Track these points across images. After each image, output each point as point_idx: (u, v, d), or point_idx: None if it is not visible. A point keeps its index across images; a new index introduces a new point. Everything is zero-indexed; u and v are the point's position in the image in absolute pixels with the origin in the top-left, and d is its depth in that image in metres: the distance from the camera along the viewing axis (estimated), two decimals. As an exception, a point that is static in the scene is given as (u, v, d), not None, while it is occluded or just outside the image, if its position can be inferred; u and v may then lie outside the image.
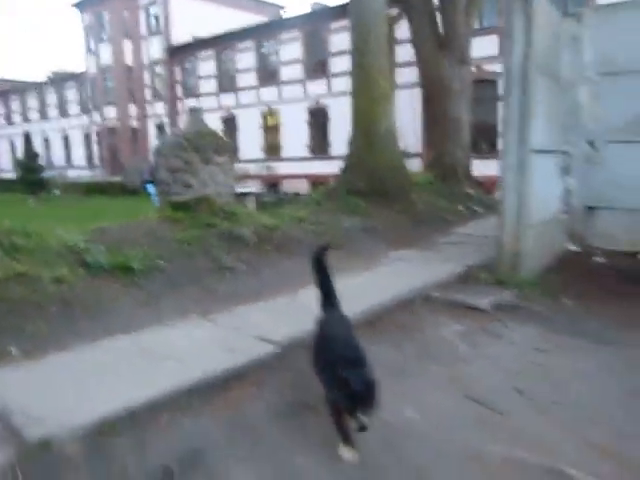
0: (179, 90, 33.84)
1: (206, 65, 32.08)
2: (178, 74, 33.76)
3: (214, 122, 30.53)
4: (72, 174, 36.71)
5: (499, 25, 16.66)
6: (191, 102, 31.92)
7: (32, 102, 44.12)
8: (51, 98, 42.37)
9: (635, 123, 5.71)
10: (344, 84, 17.48)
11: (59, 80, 42.00)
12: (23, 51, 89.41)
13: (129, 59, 34.74)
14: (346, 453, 2.15)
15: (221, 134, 11.45)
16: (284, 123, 28.54)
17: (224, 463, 2.08)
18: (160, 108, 34.34)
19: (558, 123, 5.64)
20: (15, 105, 46.15)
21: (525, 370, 3.30)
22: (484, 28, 18.38)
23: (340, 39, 22.50)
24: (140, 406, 2.33)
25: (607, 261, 5.77)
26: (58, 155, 41.82)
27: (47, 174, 30.74)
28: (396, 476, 2.13)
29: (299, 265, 4.73)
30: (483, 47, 16.78)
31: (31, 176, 28.85)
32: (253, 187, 21.46)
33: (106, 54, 35.35)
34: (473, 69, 12.41)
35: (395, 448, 2.31)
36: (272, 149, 29.35)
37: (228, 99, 31.03)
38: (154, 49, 34.10)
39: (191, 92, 32.94)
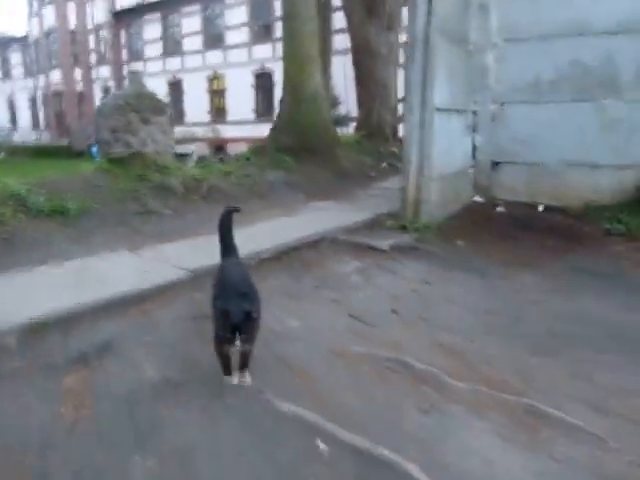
0: (124, 54, 32.99)
1: (152, 29, 31.36)
2: (123, 37, 32.88)
3: (160, 86, 30.02)
4: (17, 138, 35.50)
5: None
6: (136, 66, 31.23)
7: (-25, 65, 42.07)
8: (-6, 61, 40.53)
9: (533, 85, 6.23)
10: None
11: (2, 43, 40.07)
12: None
13: (73, 22, 33.50)
14: (232, 380, 2.37)
15: (160, 96, 11.52)
16: (229, 87, 28.38)
17: (129, 349, 2.58)
18: (106, 72, 33.46)
19: (464, 84, 6.13)
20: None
21: (405, 296, 3.76)
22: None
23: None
24: (66, 312, 2.79)
25: (507, 211, 6.35)
26: (2, 118, 40.24)
27: (-8, 137, 29.71)
28: (271, 367, 2.63)
29: (219, 212, 5.19)
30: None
31: (-25, 140, 27.85)
32: (197, 149, 21.43)
33: (50, 17, 33.95)
34: (404, 36, 12.80)
35: (273, 347, 2.78)
36: (218, 113, 29.19)
37: (174, 63, 30.54)
38: (99, 12, 33.00)
39: (136, 56, 32.22)
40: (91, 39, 33.98)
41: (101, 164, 5.93)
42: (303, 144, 7.91)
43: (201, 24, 29.15)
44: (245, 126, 26.68)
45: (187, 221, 4.97)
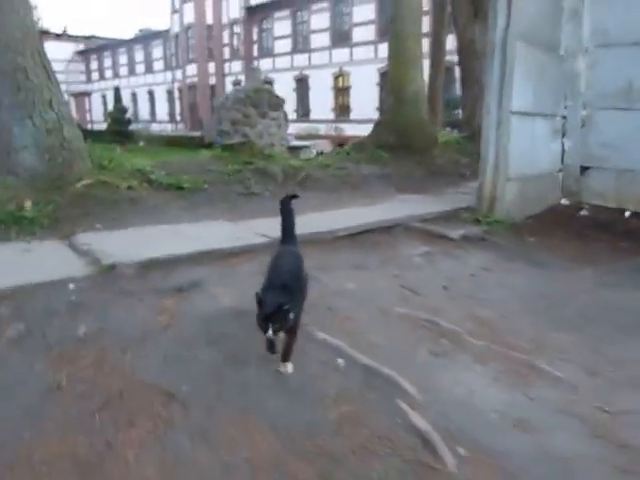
0: (255, 50, 35.25)
1: (281, 25, 33.19)
2: (255, 34, 35.13)
3: (287, 82, 31.84)
4: (156, 128, 39.24)
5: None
6: (266, 62, 33.32)
7: (122, 59, 47.04)
8: (139, 55, 45.06)
9: (626, 91, 6.42)
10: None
11: (146, 38, 44.46)
12: (115, 9, 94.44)
13: (209, 18, 36.39)
14: (282, 368, 2.58)
15: (280, 94, 12.71)
16: (354, 85, 29.33)
17: (212, 287, 3.48)
18: (237, 66, 35.94)
19: (554, 90, 6.47)
20: (107, 62, 49.28)
21: (461, 278, 4.30)
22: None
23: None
24: (171, 257, 3.78)
25: (591, 214, 6.56)
26: (144, 109, 44.65)
27: (133, 127, 33.20)
28: (320, 312, 3.35)
29: (313, 197, 6.04)
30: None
31: (119, 128, 31.34)
32: (319, 145, 22.59)
33: (189, 13, 37.14)
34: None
35: (326, 300, 3.51)
36: (342, 110, 30.27)
37: (301, 60, 32.10)
38: (234, 8, 35.53)
39: (266, 52, 34.27)
40: (225, 34, 36.71)
41: (215, 152, 7.03)
42: (402, 142, 8.57)
43: (329, 21, 30.43)
44: (368, 125, 27.37)
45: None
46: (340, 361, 2.75)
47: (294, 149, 13.07)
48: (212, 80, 37.19)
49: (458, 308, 3.64)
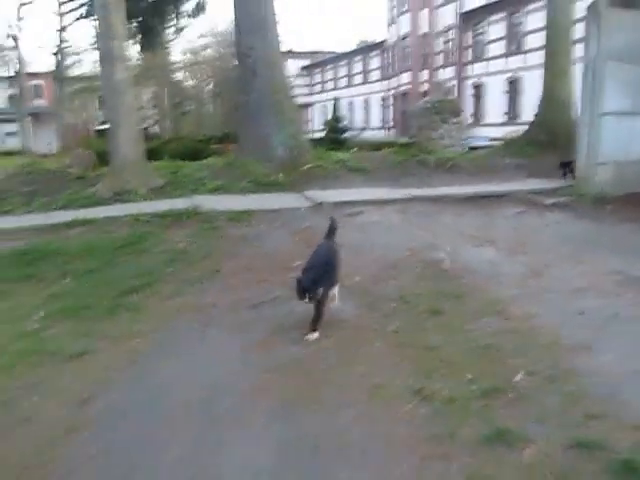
0: (469, 55, 38.51)
1: (496, 28, 35.95)
2: (468, 39, 38.43)
3: (499, 84, 34.53)
4: (368, 134, 44.64)
5: None
6: (479, 66, 36.43)
7: (342, 71, 53.93)
8: (357, 66, 51.38)
9: None
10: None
11: (365, 50, 50.57)
12: (337, 24, 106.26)
13: (425, 27, 40.67)
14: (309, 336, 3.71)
15: (455, 102, 16.27)
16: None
17: (368, 213, 7.43)
18: (450, 72, 39.57)
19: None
20: (329, 74, 56.73)
21: (531, 227, 7.52)
22: None
23: None
24: (348, 201, 7.89)
25: None
26: (359, 117, 50.69)
27: (348, 134, 38.83)
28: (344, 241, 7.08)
29: (454, 179, 9.70)
30: None
31: (335, 135, 37.17)
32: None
33: (405, 24, 41.87)
34: None
35: (365, 231, 7.18)
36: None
37: (515, 62, 34.46)
38: (448, 15, 39.28)
39: (479, 56, 37.34)
40: (439, 42, 40.64)
41: (394, 148, 11.01)
42: (550, 139, 11.60)
43: (544, 21, 32.46)
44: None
45: (430, 181, 9.61)
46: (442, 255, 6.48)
47: (476, 149, 16.45)
48: (424, 87, 41.31)
49: (514, 237, 6.98)
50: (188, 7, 16.10)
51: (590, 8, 8.76)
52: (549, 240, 6.69)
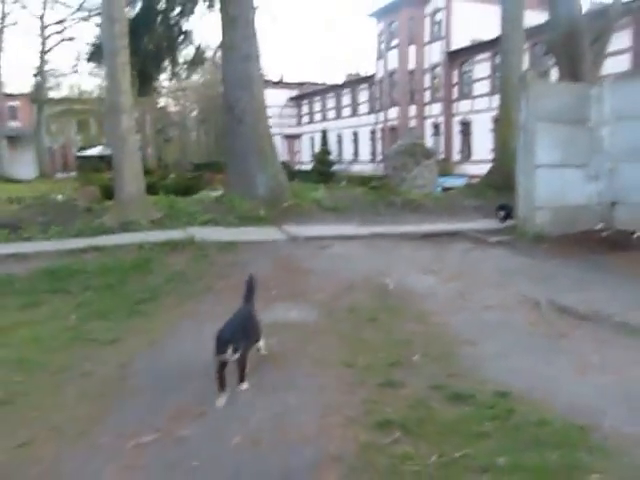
0: (455, 92, 41.08)
1: (482, 67, 38.58)
2: (455, 77, 41.04)
3: (485, 123, 36.97)
4: (357, 168, 46.90)
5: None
6: (465, 103, 38.91)
7: (330, 102, 56.49)
8: (346, 99, 53.96)
9: (636, 149, 10.79)
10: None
11: (353, 83, 53.21)
12: (326, 57, 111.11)
13: (412, 64, 43.30)
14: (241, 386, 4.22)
15: (425, 145, 18.52)
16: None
17: (335, 247, 9.29)
18: (437, 109, 42.09)
19: (584, 149, 11.10)
20: (317, 106, 59.33)
21: (471, 260, 9.51)
22: None
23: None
24: (319, 236, 9.73)
25: (609, 235, 10.88)
26: (348, 150, 53.05)
27: (337, 167, 41.01)
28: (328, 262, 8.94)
29: (417, 218, 11.59)
30: None
31: (323, 168, 39.33)
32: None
33: (393, 59, 44.53)
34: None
35: (332, 260, 9.09)
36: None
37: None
38: (435, 53, 41.98)
39: (465, 94, 39.88)
40: (426, 78, 43.26)
41: (365, 189, 12.94)
42: (505, 183, 13.53)
43: (529, 61, 35.00)
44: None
45: (397, 220, 11.50)
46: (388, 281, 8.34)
47: (447, 189, 18.44)
48: (412, 122, 43.77)
49: (456, 268, 8.88)
50: (186, 54, 18.03)
51: (520, 79, 10.82)
52: (484, 271, 8.49)
